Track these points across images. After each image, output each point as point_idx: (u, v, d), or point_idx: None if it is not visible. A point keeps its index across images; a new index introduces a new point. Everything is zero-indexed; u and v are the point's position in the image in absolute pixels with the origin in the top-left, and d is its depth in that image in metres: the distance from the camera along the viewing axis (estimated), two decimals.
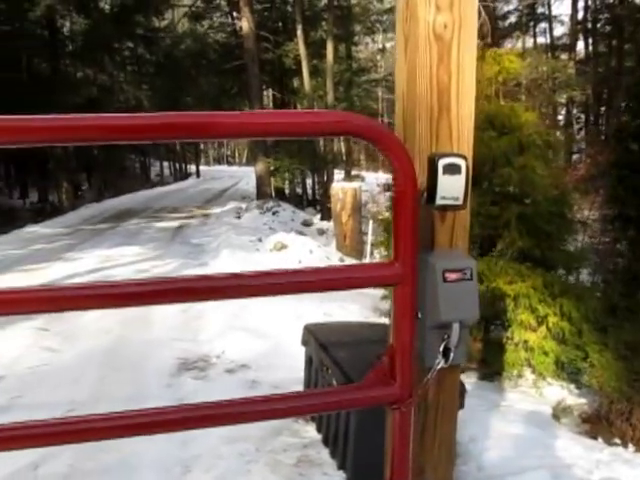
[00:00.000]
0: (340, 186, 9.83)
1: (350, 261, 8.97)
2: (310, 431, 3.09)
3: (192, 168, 39.43)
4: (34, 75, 20.28)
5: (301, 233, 11.18)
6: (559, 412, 3.52)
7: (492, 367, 4.21)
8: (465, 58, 1.31)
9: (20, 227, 12.76)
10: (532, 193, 3.80)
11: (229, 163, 52.07)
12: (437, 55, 1.29)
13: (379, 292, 5.73)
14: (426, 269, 1.29)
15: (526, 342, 3.87)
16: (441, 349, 1.30)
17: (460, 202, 1.29)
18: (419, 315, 1.34)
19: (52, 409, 3.39)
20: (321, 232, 12.58)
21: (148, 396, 3.59)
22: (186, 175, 38.12)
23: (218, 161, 54.05)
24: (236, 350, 4.31)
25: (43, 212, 18.45)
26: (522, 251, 3.84)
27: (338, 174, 17.83)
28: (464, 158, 1.28)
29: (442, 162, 1.27)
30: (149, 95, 25.72)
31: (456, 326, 1.28)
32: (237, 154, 53.13)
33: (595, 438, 3.29)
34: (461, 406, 2.62)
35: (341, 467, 2.69)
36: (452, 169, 1.27)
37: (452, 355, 1.31)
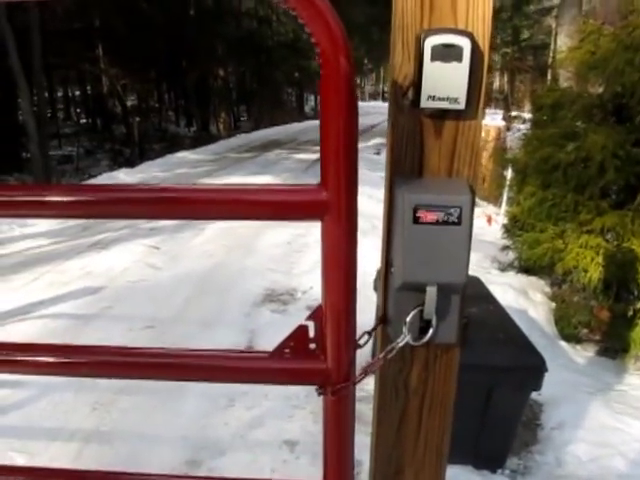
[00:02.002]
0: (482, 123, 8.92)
1: (485, 206, 8.25)
2: (370, 384, 2.80)
3: None
4: (200, 9, 21.24)
5: None
6: None
7: (617, 342, 3.52)
8: None
9: (173, 152, 13.69)
10: None
11: (385, 99, 51.05)
12: None
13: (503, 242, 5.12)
14: (396, 204, 0.89)
15: None
16: (408, 320, 0.91)
17: (461, 105, 0.86)
18: (392, 270, 0.96)
19: (131, 323, 3.50)
20: None
21: (223, 322, 3.56)
22: None
23: (374, 97, 53.25)
24: None
25: (200, 140, 19.67)
26: None
27: (496, 114, 16.37)
28: (468, 36, 0.83)
29: (430, 41, 0.84)
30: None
31: (431, 290, 0.88)
32: None
33: None
34: (537, 387, 2.14)
35: None
36: (447, 53, 0.83)
37: (432, 331, 0.92)
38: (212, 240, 5.55)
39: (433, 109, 0.87)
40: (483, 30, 0.86)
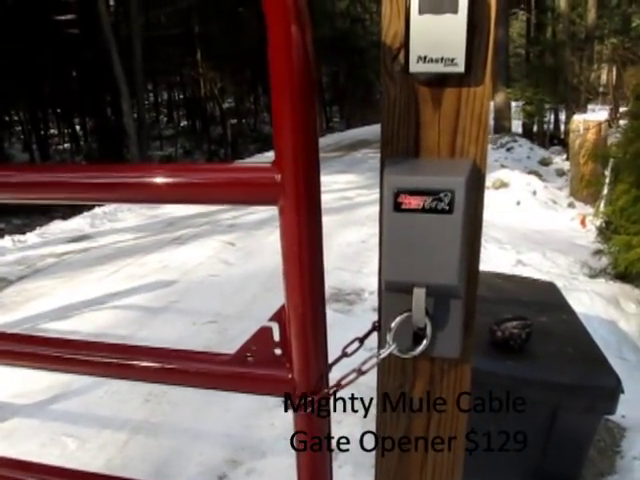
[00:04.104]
0: (582, 118, 8.27)
1: (581, 207, 7.69)
2: None
3: None
4: None
5: (535, 173, 10.05)
6: None
7: None
8: None
9: (264, 152, 14.01)
10: None
11: None
12: None
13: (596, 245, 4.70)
14: (381, 190, 0.75)
15: None
16: (392, 326, 0.77)
17: (460, 68, 0.71)
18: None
19: (196, 317, 3.54)
20: (560, 173, 11.09)
21: None
22: None
23: None
24: None
25: None
26: None
27: (602, 109, 15.16)
28: None
29: None
30: None
31: (419, 292, 0.73)
32: None
33: None
34: (610, 411, 1.88)
35: None
36: (438, 3, 0.69)
37: (425, 342, 0.77)
38: None
39: (427, 74, 0.73)
40: None
